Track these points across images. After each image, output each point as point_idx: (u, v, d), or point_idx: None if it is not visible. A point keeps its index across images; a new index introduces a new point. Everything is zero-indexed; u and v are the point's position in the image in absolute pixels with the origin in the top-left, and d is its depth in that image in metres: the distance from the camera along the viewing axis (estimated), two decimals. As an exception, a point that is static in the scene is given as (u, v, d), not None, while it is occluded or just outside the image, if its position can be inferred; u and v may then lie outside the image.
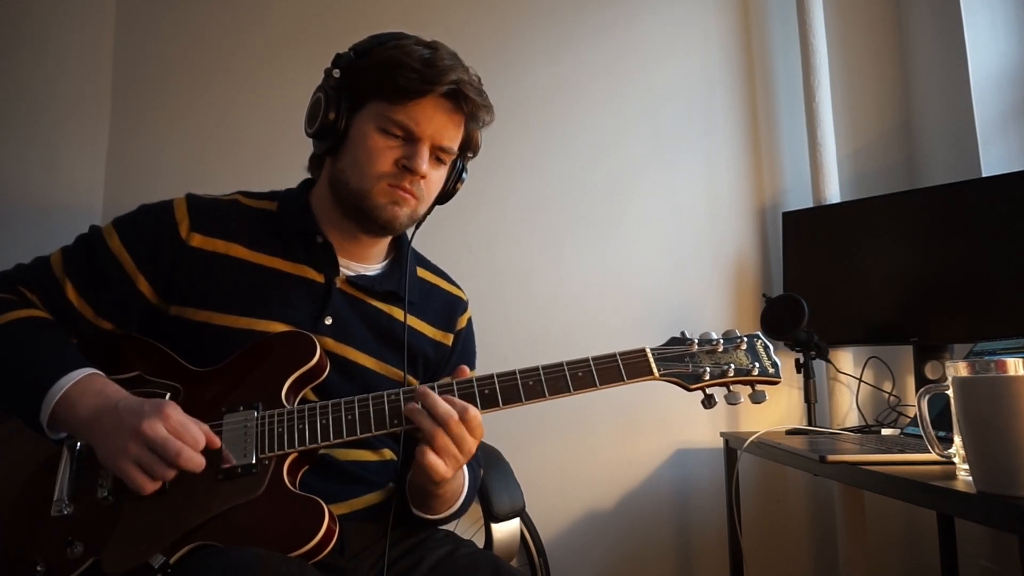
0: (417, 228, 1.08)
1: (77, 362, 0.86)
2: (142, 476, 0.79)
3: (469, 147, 1.05)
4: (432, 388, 0.89)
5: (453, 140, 0.99)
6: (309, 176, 1.09)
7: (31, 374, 0.85)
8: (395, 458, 1.05)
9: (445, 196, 1.07)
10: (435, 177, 1.01)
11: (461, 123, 1.00)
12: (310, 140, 1.04)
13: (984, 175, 1.64)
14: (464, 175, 1.08)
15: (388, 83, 0.94)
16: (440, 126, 0.97)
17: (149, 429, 0.78)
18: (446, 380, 0.90)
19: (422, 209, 1.01)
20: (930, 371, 1.61)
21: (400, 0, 2.02)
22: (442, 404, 0.85)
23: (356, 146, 0.96)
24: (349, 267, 1.03)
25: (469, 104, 0.97)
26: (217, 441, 0.84)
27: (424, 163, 0.96)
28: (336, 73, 0.97)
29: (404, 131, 0.95)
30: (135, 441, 0.78)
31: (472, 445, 0.87)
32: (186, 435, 0.80)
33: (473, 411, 0.86)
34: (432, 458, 0.84)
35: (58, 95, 1.83)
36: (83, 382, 0.84)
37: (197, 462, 0.80)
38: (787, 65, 2.01)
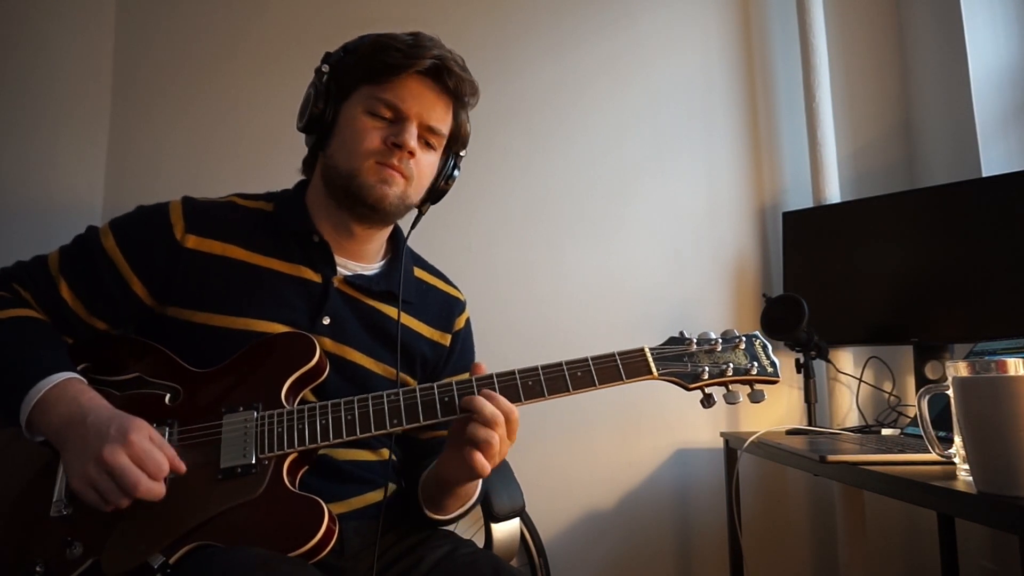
0: (413, 227, 1.08)
1: (58, 365, 0.86)
2: (97, 499, 0.79)
3: (458, 138, 1.05)
4: (431, 389, 0.89)
5: (441, 121, 1.00)
6: (304, 178, 1.09)
7: (11, 376, 0.85)
8: (394, 458, 1.05)
9: (437, 194, 1.07)
10: (426, 161, 1.01)
11: (449, 105, 1.01)
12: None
13: (984, 175, 1.64)
14: (456, 172, 1.08)
15: (373, 65, 0.96)
16: (427, 105, 0.98)
17: (109, 456, 0.77)
18: (445, 381, 0.90)
19: (413, 193, 1.00)
20: (930, 371, 1.61)
21: (400, 0, 2.02)
22: (490, 407, 0.85)
23: (344, 129, 0.97)
24: (346, 267, 1.03)
25: (453, 79, 0.98)
26: (182, 467, 0.83)
27: (412, 138, 0.96)
28: (325, 68, 0.99)
29: (391, 109, 0.96)
30: (94, 466, 0.78)
31: (507, 447, 0.87)
32: (148, 463, 0.79)
33: (516, 414, 0.86)
34: (481, 460, 0.84)
35: (58, 95, 1.83)
36: (60, 387, 0.84)
37: (156, 492, 0.79)
38: (787, 65, 2.01)
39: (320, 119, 0.98)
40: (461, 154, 1.08)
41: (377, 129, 0.96)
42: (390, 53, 0.95)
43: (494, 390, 0.88)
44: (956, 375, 0.80)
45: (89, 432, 0.80)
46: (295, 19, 2.01)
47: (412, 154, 0.97)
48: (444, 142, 1.03)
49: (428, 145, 1.00)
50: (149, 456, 0.79)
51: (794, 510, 1.87)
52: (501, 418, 0.84)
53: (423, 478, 0.99)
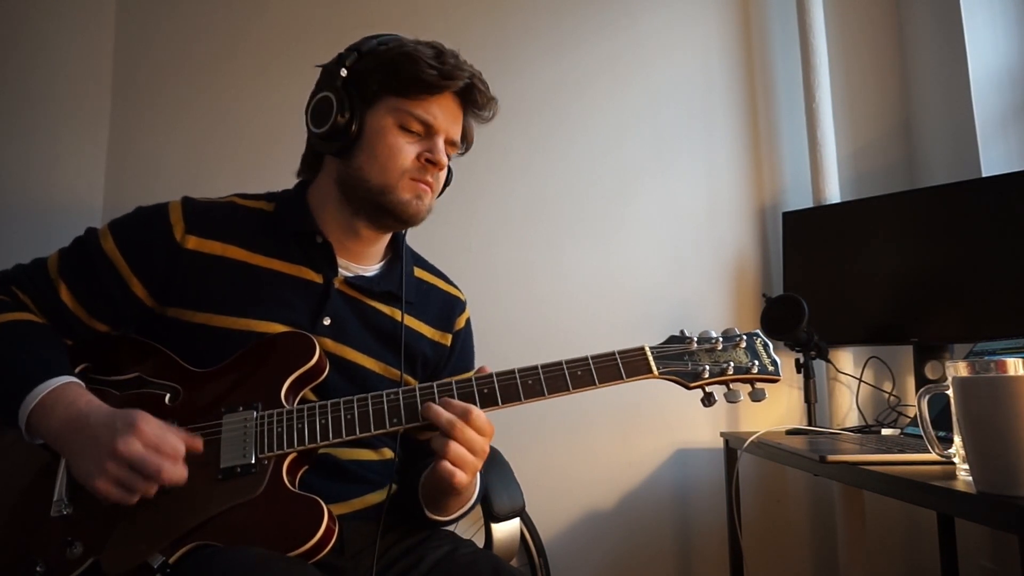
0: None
1: (57, 369, 0.86)
2: (122, 493, 0.79)
3: (464, 141, 1.07)
4: (431, 388, 0.89)
5: (459, 134, 1.03)
6: (300, 179, 1.09)
7: (10, 379, 0.85)
8: (395, 457, 1.05)
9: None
10: (444, 171, 1.04)
11: (462, 118, 1.03)
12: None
13: (984, 175, 1.64)
14: (450, 178, 1.09)
15: (404, 79, 0.96)
16: (453, 120, 1.00)
17: (124, 447, 0.77)
18: (446, 380, 0.90)
19: (434, 201, 1.04)
20: (930, 371, 1.61)
21: (400, 0, 2.02)
22: (444, 414, 0.85)
23: (374, 143, 0.97)
24: (347, 268, 1.03)
25: (482, 98, 1.00)
26: (200, 444, 0.83)
27: (443, 155, 0.99)
28: (343, 72, 0.97)
29: (424, 125, 0.97)
30: (113, 461, 0.78)
31: (484, 445, 0.87)
32: (164, 447, 0.79)
33: (476, 412, 0.86)
34: (449, 468, 0.84)
35: (58, 95, 1.83)
36: (58, 391, 0.84)
37: (179, 476, 0.80)
38: (787, 65, 2.01)
39: (344, 129, 0.96)
40: (460, 151, 1.09)
41: (410, 145, 0.97)
42: (423, 69, 0.95)
43: (494, 390, 0.88)
44: (956, 375, 0.80)
45: (96, 431, 0.80)
46: (295, 19, 2.01)
47: (442, 169, 1.00)
48: (456, 151, 1.06)
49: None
50: (163, 440, 0.80)
51: (794, 510, 1.87)
52: (458, 421, 0.84)
53: (421, 481, 1.00)
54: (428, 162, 0.98)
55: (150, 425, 0.80)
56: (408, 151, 0.97)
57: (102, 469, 0.78)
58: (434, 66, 0.95)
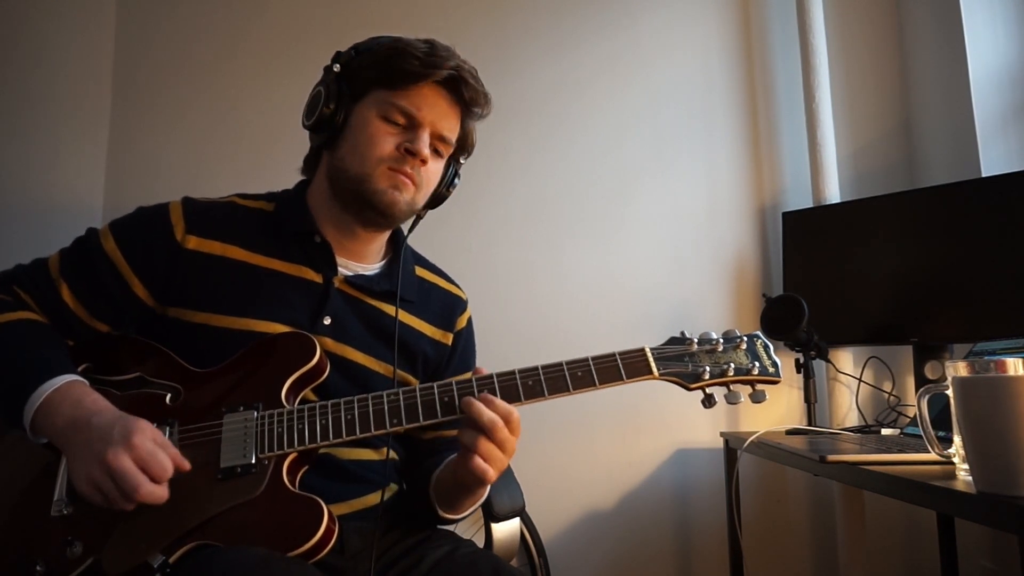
0: (411, 230, 1.09)
1: (61, 368, 0.86)
2: (103, 502, 0.79)
3: (465, 145, 1.06)
4: (431, 388, 0.89)
5: (451, 131, 1.01)
6: (304, 178, 1.09)
7: (14, 378, 0.85)
8: (395, 457, 1.05)
9: (438, 199, 1.08)
10: (433, 169, 1.01)
11: (459, 115, 1.02)
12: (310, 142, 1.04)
13: (984, 175, 1.64)
14: (457, 180, 1.08)
15: (389, 70, 0.96)
16: (441, 114, 0.98)
17: (113, 459, 0.77)
18: (446, 381, 0.90)
19: (420, 199, 1.01)
20: (930, 371, 1.61)
21: (400, 0, 2.02)
22: (487, 412, 0.84)
23: (356, 133, 0.97)
24: (347, 267, 1.03)
25: (469, 90, 0.99)
26: (187, 465, 0.83)
27: (425, 146, 0.97)
28: (336, 68, 0.98)
29: (406, 116, 0.97)
30: (99, 468, 0.78)
31: (515, 445, 0.87)
32: (152, 465, 0.79)
33: (517, 416, 0.86)
34: (482, 465, 0.84)
35: (58, 95, 1.83)
36: (63, 390, 0.84)
37: (157, 496, 0.79)
38: (787, 65, 2.01)
39: (331, 120, 0.97)
40: (461, 160, 1.09)
41: (391, 135, 0.96)
42: (408, 60, 0.95)
43: (494, 390, 0.88)
44: (956, 375, 0.80)
45: (93, 435, 0.80)
46: (295, 19, 2.01)
47: (424, 162, 0.98)
48: (452, 150, 1.04)
49: (436, 152, 1.01)
50: (153, 458, 0.79)
51: (794, 510, 1.87)
52: (500, 422, 0.84)
53: (435, 479, 0.99)
54: (408, 152, 0.96)
55: (145, 440, 0.80)
56: (387, 140, 0.96)
57: (88, 474, 0.79)
58: (418, 56, 0.95)
